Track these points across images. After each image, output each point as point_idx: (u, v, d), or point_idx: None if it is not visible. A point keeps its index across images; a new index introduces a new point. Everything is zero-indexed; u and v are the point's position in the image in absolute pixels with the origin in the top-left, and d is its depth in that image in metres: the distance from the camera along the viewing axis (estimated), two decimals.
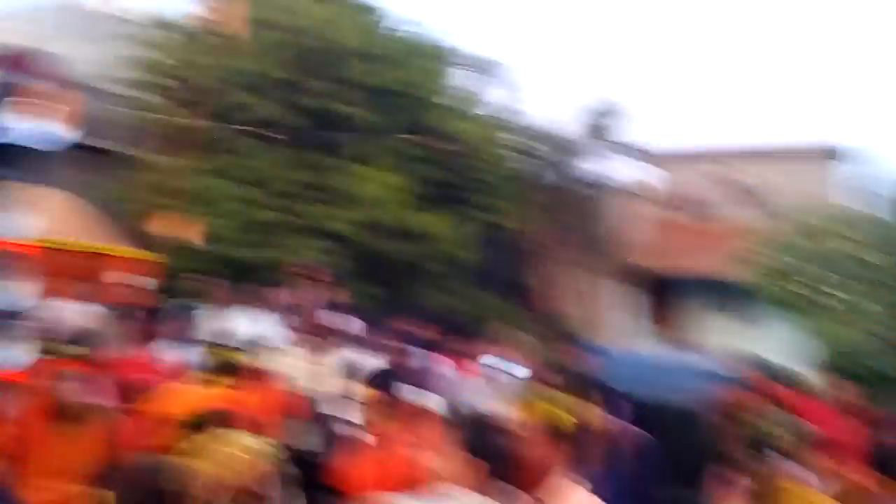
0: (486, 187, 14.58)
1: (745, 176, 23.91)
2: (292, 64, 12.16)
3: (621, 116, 19.65)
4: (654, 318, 23.15)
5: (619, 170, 20.79)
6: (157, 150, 13.87)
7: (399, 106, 13.39)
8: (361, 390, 3.74)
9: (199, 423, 2.97)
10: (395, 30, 14.96)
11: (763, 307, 14.56)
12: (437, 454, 2.63)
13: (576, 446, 3.39)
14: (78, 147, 13.03)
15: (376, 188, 12.17)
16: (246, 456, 2.54)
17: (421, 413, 3.40)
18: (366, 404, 3.57)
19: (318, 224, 12.25)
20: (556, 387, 4.21)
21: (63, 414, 3.35)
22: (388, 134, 13.03)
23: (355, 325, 7.78)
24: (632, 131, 19.77)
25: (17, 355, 4.35)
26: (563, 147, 19.44)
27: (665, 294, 22.86)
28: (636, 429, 4.26)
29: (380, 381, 3.86)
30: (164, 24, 14.21)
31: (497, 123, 16.39)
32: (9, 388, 3.87)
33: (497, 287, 19.13)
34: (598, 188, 20.30)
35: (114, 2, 16.50)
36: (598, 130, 19.41)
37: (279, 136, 12.32)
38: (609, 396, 4.88)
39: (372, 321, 7.93)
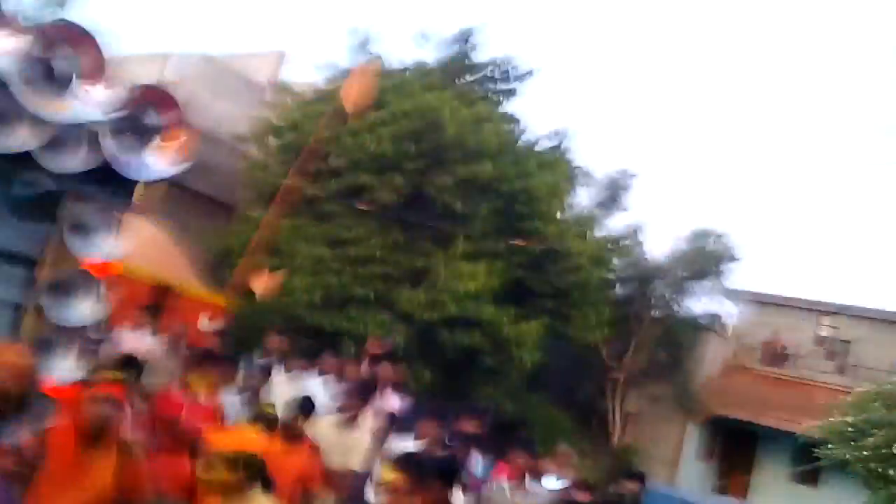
0: (571, 299, 14.52)
1: (838, 333, 23.18)
2: (417, 151, 12.53)
3: (727, 255, 19.53)
4: (723, 465, 22.28)
5: (716, 309, 20.60)
6: (256, 204, 14.42)
7: (510, 209, 13.73)
8: (387, 471, 3.63)
9: (234, 461, 2.95)
10: (532, 143, 15.57)
11: (833, 470, 14.02)
12: None
13: None
14: (181, 187, 13.75)
15: (462, 279, 12.22)
16: None
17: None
18: (387, 486, 3.45)
19: (391, 301, 12.35)
20: None
21: (85, 436, 3.37)
22: (488, 230, 13.24)
23: (402, 405, 7.71)
24: (734, 271, 19.66)
25: (69, 371, 4.43)
26: (664, 279, 19.50)
27: (739, 443, 22.02)
28: None
29: (407, 464, 3.75)
30: (287, 88, 15.01)
31: (607, 246, 16.72)
32: (52, 401, 3.93)
33: (555, 396, 18.86)
34: (693, 326, 20.09)
35: (249, 63, 17.58)
36: (703, 266, 19.33)
37: (372, 210, 12.60)
38: None
39: (421, 406, 7.86)
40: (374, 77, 10.53)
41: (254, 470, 3.06)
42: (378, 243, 12.48)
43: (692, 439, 21.63)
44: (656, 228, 43.16)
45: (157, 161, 4.73)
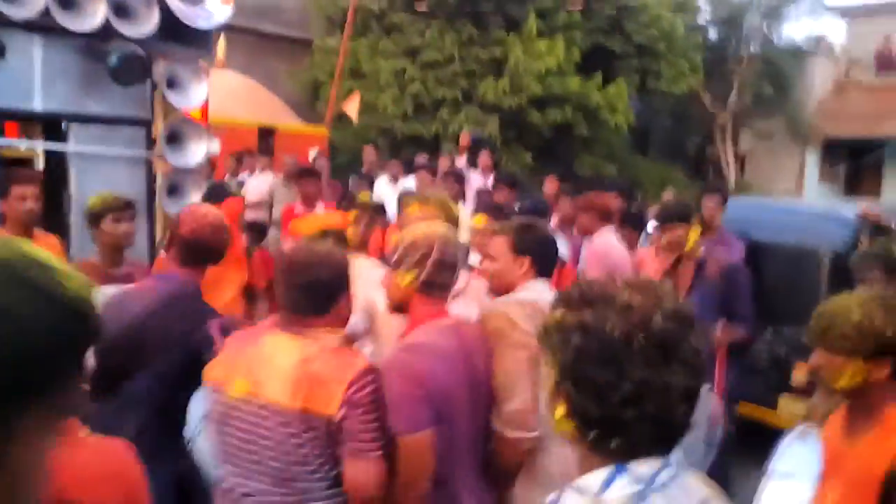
0: (657, 52, 14.28)
1: None
2: None
3: None
4: (849, 187, 21.96)
5: (818, 31, 19.60)
6: (328, 32, 14.72)
7: None
8: (477, 219, 4.15)
9: (322, 235, 3.62)
10: None
11: None
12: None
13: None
14: (257, 33, 14.11)
15: (540, 58, 12.25)
16: None
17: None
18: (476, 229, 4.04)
19: (477, 95, 12.65)
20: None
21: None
22: (557, 2, 13.00)
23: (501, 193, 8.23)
24: None
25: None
26: (757, 10, 18.59)
27: (862, 161, 21.53)
28: (734, 260, 4.55)
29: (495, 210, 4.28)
30: None
31: None
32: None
33: (664, 152, 18.98)
34: (795, 53, 19.28)
35: None
36: None
37: (434, 12, 12.62)
38: (721, 235, 5.10)
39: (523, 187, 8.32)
40: None
41: (338, 240, 3.72)
42: (452, 42, 12.59)
43: (812, 166, 21.32)
44: None
45: (218, 7, 5.17)
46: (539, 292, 2.67)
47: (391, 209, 6.47)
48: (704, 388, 3.70)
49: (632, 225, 5.90)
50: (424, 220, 2.85)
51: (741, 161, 20.91)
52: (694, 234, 4.36)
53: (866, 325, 2.05)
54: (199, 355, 2.52)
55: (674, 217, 4.41)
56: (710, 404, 3.88)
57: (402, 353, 2.31)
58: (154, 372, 2.70)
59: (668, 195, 9.77)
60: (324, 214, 4.30)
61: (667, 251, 4.47)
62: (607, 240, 5.01)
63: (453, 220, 3.02)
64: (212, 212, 3.11)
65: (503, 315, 2.55)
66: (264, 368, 2.17)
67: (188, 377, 2.54)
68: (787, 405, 5.03)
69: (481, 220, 4.04)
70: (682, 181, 15.65)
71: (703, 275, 4.37)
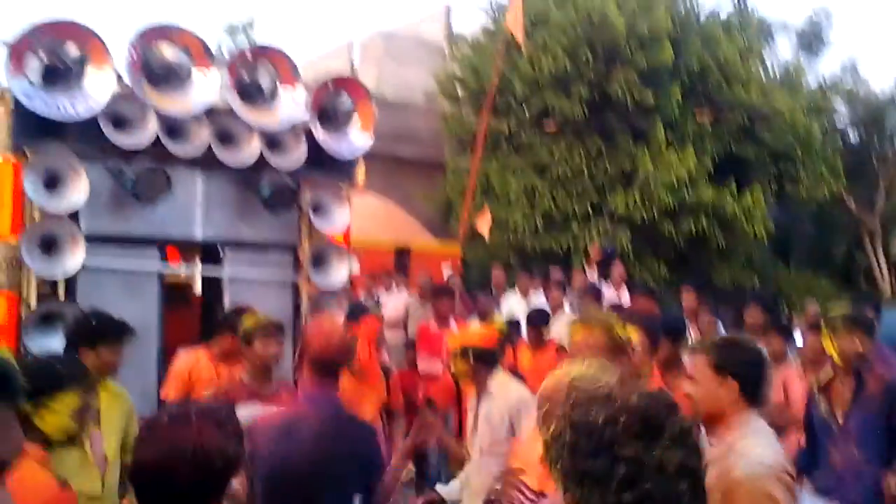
0: (794, 157, 13.94)
1: None
2: (593, 55, 12.61)
3: None
4: None
5: None
6: (460, 153, 15.32)
7: (702, 85, 13.47)
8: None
9: (463, 352, 3.69)
10: (714, 11, 15.12)
11: None
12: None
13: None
14: (394, 159, 14.89)
15: (670, 168, 12.22)
16: None
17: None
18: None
19: (608, 208, 12.66)
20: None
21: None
22: (686, 112, 13.06)
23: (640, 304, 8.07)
24: None
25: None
26: (890, 107, 17.99)
27: None
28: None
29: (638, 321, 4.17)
30: (460, 38, 15.62)
31: (816, 94, 15.81)
32: None
33: (803, 262, 18.12)
34: None
35: (420, 26, 18.46)
36: None
37: (566, 127, 12.89)
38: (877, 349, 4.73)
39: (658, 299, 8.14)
40: None
41: (482, 358, 3.73)
42: (581, 156, 12.76)
43: None
44: (876, 58, 38.69)
45: (359, 137, 5.52)
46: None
47: (522, 324, 6.50)
48: None
49: (780, 336, 5.60)
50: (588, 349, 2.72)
51: (893, 267, 19.61)
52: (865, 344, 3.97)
53: None
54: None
55: (860, 325, 3.95)
56: None
57: None
58: (342, 492, 2.77)
59: (813, 307, 9.25)
60: (477, 328, 4.39)
61: (835, 364, 4.11)
62: None
63: (620, 345, 2.79)
64: (331, 321, 3.26)
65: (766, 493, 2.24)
66: None
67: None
68: None
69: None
70: (830, 291, 14.80)
71: (865, 393, 3.97)
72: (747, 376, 2.44)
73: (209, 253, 5.46)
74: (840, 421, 3.99)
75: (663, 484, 1.21)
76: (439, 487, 4.07)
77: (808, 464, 4.18)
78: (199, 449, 1.67)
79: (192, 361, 4.28)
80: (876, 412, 3.90)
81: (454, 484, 3.96)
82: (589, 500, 1.25)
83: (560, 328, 6.54)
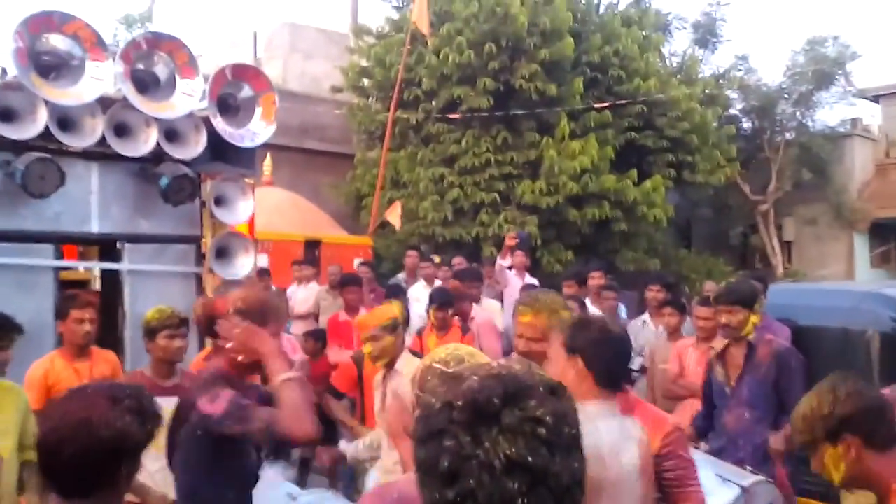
0: (690, 145, 14.49)
1: None
2: (497, 48, 12.80)
3: (848, 56, 18.71)
4: (879, 265, 21.52)
5: (854, 113, 19.79)
6: (362, 145, 15.30)
7: (603, 77, 13.90)
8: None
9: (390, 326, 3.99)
10: (613, 4, 15.62)
11: None
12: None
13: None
14: (299, 150, 14.73)
15: (574, 158, 12.52)
16: None
17: None
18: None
19: (515, 197, 12.89)
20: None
21: None
22: (588, 103, 13.40)
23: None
24: (862, 71, 18.90)
25: None
26: (788, 98, 18.93)
27: (889, 239, 21.21)
28: (782, 343, 4.43)
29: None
30: (362, 32, 15.58)
31: (716, 82, 16.52)
32: None
33: (702, 244, 18.91)
34: (831, 137, 19.41)
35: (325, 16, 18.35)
36: (825, 73, 18.59)
37: (472, 117, 13.05)
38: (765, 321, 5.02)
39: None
40: None
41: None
42: (488, 147, 12.94)
43: (862, 250, 20.97)
44: (767, 50, 40.69)
45: (261, 127, 5.47)
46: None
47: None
48: (761, 482, 3.60)
49: (676, 311, 5.87)
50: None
51: (787, 249, 20.67)
52: (754, 319, 4.21)
53: (809, 413, 2.03)
54: None
55: (736, 300, 4.19)
56: (772, 498, 3.75)
57: None
58: None
59: (710, 286, 9.68)
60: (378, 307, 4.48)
61: (723, 335, 4.35)
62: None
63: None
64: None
65: None
66: None
67: None
68: (850, 499, 4.79)
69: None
70: (727, 272, 15.48)
71: (755, 359, 4.22)
72: (593, 355, 2.45)
73: (107, 247, 5.32)
74: (733, 385, 4.24)
75: (488, 482, 1.03)
76: (343, 445, 4.15)
77: (704, 427, 4.44)
78: (85, 419, 1.69)
79: (47, 366, 4.08)
80: (764, 377, 4.16)
81: (358, 443, 4.06)
82: (422, 491, 1.11)
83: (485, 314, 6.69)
